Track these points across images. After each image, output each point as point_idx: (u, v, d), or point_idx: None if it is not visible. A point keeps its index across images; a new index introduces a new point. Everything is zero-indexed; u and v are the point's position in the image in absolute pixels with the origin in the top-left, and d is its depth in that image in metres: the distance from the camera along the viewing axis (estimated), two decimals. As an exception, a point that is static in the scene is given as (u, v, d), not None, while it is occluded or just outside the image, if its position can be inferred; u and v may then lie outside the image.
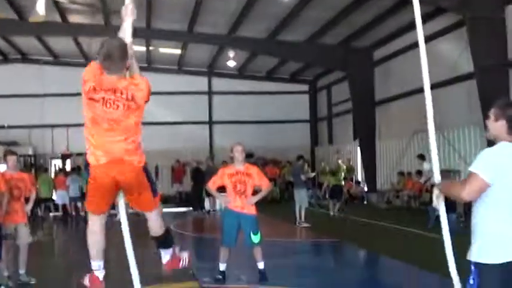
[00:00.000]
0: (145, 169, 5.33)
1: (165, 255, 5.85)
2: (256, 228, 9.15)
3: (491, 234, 4.45)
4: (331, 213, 20.78)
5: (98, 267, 5.51)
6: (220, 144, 30.91)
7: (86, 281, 5.57)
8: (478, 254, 4.46)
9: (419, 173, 20.84)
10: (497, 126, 4.60)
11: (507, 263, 4.34)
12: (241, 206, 9.10)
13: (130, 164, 5.15)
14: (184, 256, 5.98)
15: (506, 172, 4.43)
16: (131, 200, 5.49)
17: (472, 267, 4.47)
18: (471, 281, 4.47)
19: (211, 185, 9.45)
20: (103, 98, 5.00)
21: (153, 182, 5.57)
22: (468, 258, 4.50)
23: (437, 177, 5.28)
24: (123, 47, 5.17)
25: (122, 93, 5.03)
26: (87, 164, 5.27)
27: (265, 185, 9.35)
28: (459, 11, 17.42)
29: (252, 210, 9.18)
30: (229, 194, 9.23)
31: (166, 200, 26.57)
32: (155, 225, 5.65)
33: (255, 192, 9.35)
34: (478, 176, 4.42)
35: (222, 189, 9.45)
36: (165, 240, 5.81)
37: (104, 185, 5.21)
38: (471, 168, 4.51)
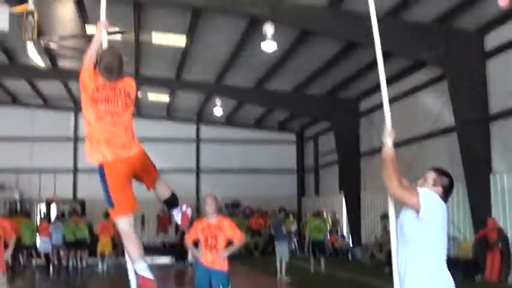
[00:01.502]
0: (145, 153, 5.86)
1: (178, 215, 6.45)
2: (227, 284, 8.92)
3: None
4: (312, 269, 20.21)
5: (145, 267, 5.60)
6: (208, 193, 30.89)
7: (138, 285, 5.64)
8: None
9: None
10: (434, 189, 4.96)
11: None
12: (211, 261, 8.87)
13: (134, 151, 5.66)
14: (188, 210, 6.55)
15: (437, 218, 4.88)
16: (144, 179, 5.95)
17: None
18: None
19: (188, 238, 9.29)
20: (105, 97, 5.55)
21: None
22: None
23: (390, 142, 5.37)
24: (121, 58, 5.74)
25: (120, 91, 5.63)
26: (100, 169, 5.57)
27: (237, 238, 9.08)
28: (440, 65, 17.69)
29: (223, 266, 8.93)
30: (201, 248, 9.04)
31: (151, 250, 26.55)
32: (164, 189, 6.23)
33: (229, 244, 9.17)
34: (414, 192, 4.79)
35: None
36: (174, 200, 6.36)
37: (122, 174, 5.61)
38: (420, 190, 4.86)
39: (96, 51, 5.77)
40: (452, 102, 17.54)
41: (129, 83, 5.77)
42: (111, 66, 5.62)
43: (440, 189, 5.03)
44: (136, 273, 5.62)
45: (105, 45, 5.85)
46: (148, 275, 5.57)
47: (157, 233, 30.10)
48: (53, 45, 20.65)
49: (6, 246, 9.66)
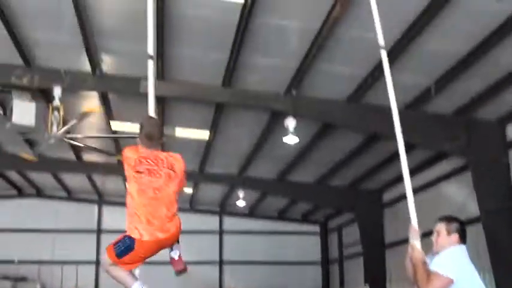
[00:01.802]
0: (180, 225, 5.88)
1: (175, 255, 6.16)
2: None
3: None
4: None
5: (141, 285, 5.72)
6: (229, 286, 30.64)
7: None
8: None
9: None
10: (450, 239, 5.04)
11: None
12: None
13: (172, 229, 5.71)
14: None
15: (467, 269, 4.82)
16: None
17: None
18: None
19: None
20: (148, 169, 5.64)
21: None
22: None
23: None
24: (160, 126, 6.16)
25: (163, 162, 5.72)
26: (131, 239, 5.58)
27: None
28: (462, 155, 17.69)
29: None
30: None
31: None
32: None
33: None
34: (441, 276, 4.78)
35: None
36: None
37: (147, 254, 5.70)
38: (435, 268, 4.84)
39: None
40: (476, 192, 17.43)
41: (174, 156, 5.90)
42: (152, 133, 5.87)
43: (456, 235, 5.15)
44: None
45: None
46: None
47: None
48: (77, 142, 21.05)
49: None
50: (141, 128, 5.93)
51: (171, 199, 5.76)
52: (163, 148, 5.38)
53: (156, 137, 5.89)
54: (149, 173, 5.64)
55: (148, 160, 5.68)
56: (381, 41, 7.70)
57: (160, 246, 5.72)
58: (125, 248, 5.62)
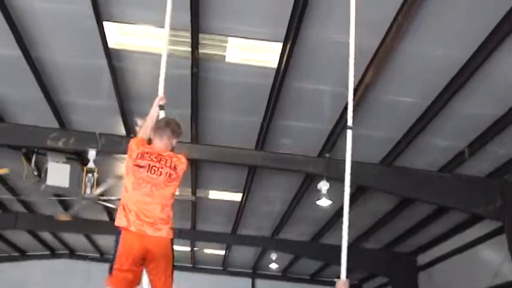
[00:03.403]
0: (172, 243, 5.56)
1: None
2: None
3: None
4: None
5: None
6: None
7: None
8: None
9: None
10: None
11: None
12: None
13: (161, 234, 5.40)
14: None
15: None
16: (153, 273, 5.53)
17: None
18: None
19: None
20: (149, 165, 5.47)
21: (174, 260, 5.69)
22: None
23: None
24: (179, 124, 5.89)
25: (166, 162, 5.54)
26: (118, 233, 5.43)
27: None
28: (497, 218, 17.46)
29: None
30: None
31: None
32: None
33: None
34: None
35: None
36: None
37: (134, 251, 5.36)
38: None
39: (151, 126, 5.88)
40: (512, 256, 17.17)
41: (178, 157, 5.70)
42: (169, 122, 5.86)
43: None
44: None
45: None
46: None
47: None
48: (110, 204, 21.24)
49: None
50: (158, 121, 5.91)
51: (167, 200, 5.54)
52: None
53: (171, 128, 5.79)
54: (149, 168, 5.48)
55: (152, 156, 5.53)
56: (349, 121, 7.77)
57: (146, 247, 5.38)
58: (114, 249, 5.47)
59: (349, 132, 7.24)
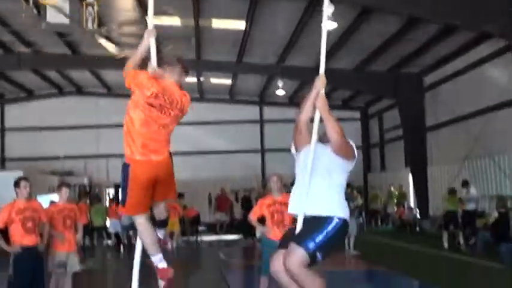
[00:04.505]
0: (171, 155, 5.80)
1: (160, 233, 6.14)
2: None
3: None
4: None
5: (161, 258, 5.81)
6: (273, 172, 31.06)
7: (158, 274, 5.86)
8: None
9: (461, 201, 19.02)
10: None
11: None
12: (279, 236, 9.10)
13: (167, 159, 5.69)
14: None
15: None
16: (159, 190, 5.79)
17: None
18: None
19: (252, 215, 9.54)
20: (160, 105, 5.49)
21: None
22: None
23: None
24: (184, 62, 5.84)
25: (176, 104, 5.58)
26: (125, 166, 5.58)
27: None
28: (504, 36, 17.25)
29: None
30: (267, 224, 9.26)
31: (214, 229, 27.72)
32: (162, 211, 6.07)
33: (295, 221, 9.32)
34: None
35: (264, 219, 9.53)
36: (164, 221, 6.21)
37: (146, 181, 5.58)
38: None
39: (142, 57, 5.74)
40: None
41: (186, 96, 5.74)
42: (180, 58, 5.86)
43: None
44: (155, 266, 5.80)
45: (153, 52, 5.77)
46: (164, 265, 5.80)
47: (214, 212, 29.87)
48: (113, 34, 21.02)
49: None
50: (170, 51, 5.81)
51: (169, 135, 5.73)
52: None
53: (179, 67, 5.75)
54: (161, 109, 5.51)
55: (165, 97, 5.52)
56: None
57: (154, 173, 5.60)
58: (124, 181, 5.61)
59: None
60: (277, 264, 5.31)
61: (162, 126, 5.55)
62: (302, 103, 5.46)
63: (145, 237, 5.81)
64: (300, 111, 5.37)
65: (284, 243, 5.41)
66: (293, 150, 5.85)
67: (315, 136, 5.40)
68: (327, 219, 5.33)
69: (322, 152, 5.46)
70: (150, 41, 5.75)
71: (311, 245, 5.19)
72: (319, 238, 5.25)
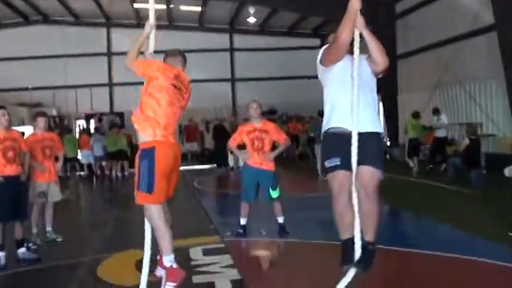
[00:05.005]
0: None
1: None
2: (275, 183, 9.29)
3: None
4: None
5: (173, 259, 5.56)
6: (244, 101, 30.92)
7: (163, 274, 5.60)
8: None
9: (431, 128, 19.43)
10: None
11: None
12: (259, 162, 9.24)
13: (178, 146, 5.98)
14: None
15: None
16: (168, 183, 5.79)
17: None
18: None
19: (232, 142, 9.62)
20: (180, 87, 5.91)
21: None
22: None
23: None
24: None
25: (186, 89, 6.02)
26: (148, 150, 5.61)
27: (282, 141, 9.44)
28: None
29: (270, 166, 9.28)
30: (248, 151, 9.37)
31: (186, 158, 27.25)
32: (168, 216, 5.86)
33: (274, 148, 9.46)
34: None
35: (243, 146, 9.60)
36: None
37: (172, 162, 5.73)
38: None
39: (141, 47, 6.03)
40: (492, 0, 17.16)
41: (188, 81, 6.11)
42: (180, 50, 6.31)
43: None
44: (165, 266, 5.55)
45: (151, 44, 6.07)
46: (176, 266, 5.57)
47: (183, 143, 29.64)
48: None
49: (56, 159, 10.22)
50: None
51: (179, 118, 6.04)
52: None
53: (180, 57, 6.18)
54: (180, 91, 5.89)
55: (181, 79, 5.91)
56: None
57: (176, 155, 5.78)
58: (149, 167, 5.55)
59: None
60: (348, 184, 5.20)
61: (180, 108, 5.94)
62: (340, 25, 5.24)
63: (160, 236, 5.58)
64: (336, 34, 5.20)
65: (343, 164, 5.21)
66: (321, 66, 5.71)
67: (357, 56, 5.27)
68: (379, 136, 5.42)
69: (364, 69, 5.41)
70: (150, 33, 6.03)
71: (382, 167, 5.29)
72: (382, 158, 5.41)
